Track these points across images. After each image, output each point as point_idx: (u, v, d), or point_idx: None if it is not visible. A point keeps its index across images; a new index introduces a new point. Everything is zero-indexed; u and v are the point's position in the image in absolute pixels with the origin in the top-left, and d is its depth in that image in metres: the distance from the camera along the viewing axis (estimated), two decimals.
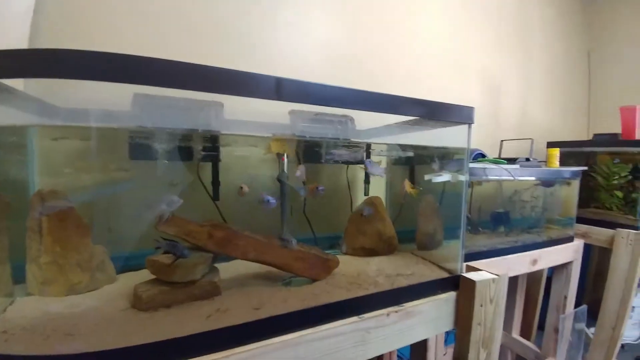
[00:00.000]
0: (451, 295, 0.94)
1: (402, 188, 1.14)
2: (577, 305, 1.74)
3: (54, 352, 0.57)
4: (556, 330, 1.70)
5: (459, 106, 0.89)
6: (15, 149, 0.86)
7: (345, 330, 0.77)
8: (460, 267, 0.97)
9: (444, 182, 1.11)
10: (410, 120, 1.02)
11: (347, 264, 1.06)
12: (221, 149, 1.14)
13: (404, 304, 0.86)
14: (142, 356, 0.61)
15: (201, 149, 1.09)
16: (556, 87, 2.54)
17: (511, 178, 1.43)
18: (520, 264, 1.44)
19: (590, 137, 2.03)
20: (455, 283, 0.96)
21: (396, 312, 0.84)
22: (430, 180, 1.04)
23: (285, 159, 1.09)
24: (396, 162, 1.33)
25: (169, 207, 0.77)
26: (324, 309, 0.76)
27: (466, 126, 0.95)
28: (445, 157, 1.07)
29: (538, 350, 1.82)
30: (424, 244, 1.19)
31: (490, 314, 0.96)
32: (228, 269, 0.96)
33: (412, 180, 1.29)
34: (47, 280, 0.77)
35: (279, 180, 1.09)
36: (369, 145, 1.17)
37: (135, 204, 0.89)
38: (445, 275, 0.98)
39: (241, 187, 0.91)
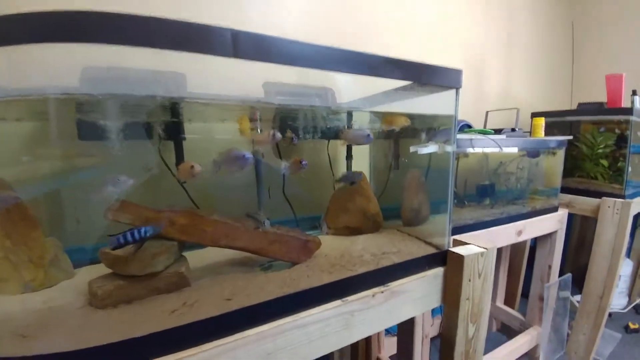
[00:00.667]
0: (439, 271, 0.90)
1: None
2: (559, 274, 1.76)
3: (5, 354, 0.48)
4: (541, 299, 1.71)
5: (445, 68, 0.81)
6: None
7: (327, 315, 0.71)
8: (448, 242, 0.93)
9: (430, 155, 1.05)
10: (393, 89, 0.94)
11: (330, 245, 0.99)
12: (186, 125, 1.02)
13: (389, 284, 0.81)
14: (97, 359, 0.53)
15: (163, 127, 0.97)
16: (540, 57, 2.49)
17: (498, 149, 1.38)
18: (505, 235, 1.43)
19: (574, 107, 2.01)
20: (442, 258, 0.91)
21: (382, 292, 0.79)
22: (416, 153, 0.97)
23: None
24: (379, 135, 1.26)
25: (115, 188, 0.67)
26: (304, 295, 0.70)
27: (453, 92, 0.87)
28: (431, 128, 1.00)
29: (523, 318, 1.86)
30: (410, 220, 1.14)
31: (478, 289, 0.92)
32: (202, 256, 0.87)
33: (397, 154, 1.23)
34: (1, 277, 0.67)
35: (254, 158, 1.00)
36: (349, 116, 1.08)
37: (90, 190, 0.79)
38: (432, 251, 0.93)
39: (192, 167, 0.74)
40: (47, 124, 0.91)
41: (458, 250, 0.89)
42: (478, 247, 0.92)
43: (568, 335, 1.83)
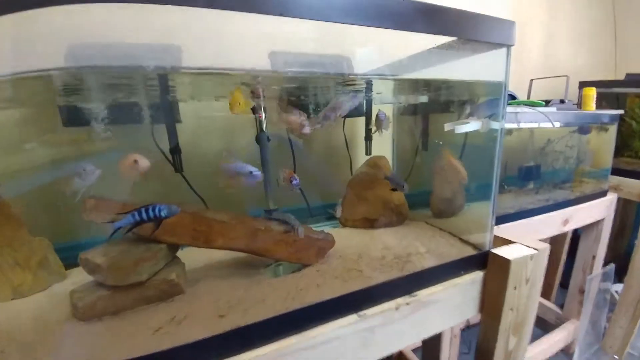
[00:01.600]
0: (477, 275, 0.75)
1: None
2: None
3: None
4: (581, 291, 1.54)
5: (495, 19, 0.62)
6: None
7: (341, 333, 0.59)
8: (490, 241, 0.77)
9: (465, 133, 0.87)
10: (424, 52, 0.75)
11: (347, 241, 0.86)
12: (180, 106, 0.90)
13: (417, 293, 0.67)
14: None
15: (154, 107, 0.85)
16: (583, 22, 2.12)
17: (545, 125, 1.16)
18: (550, 225, 1.23)
19: (621, 77, 1.70)
20: (482, 260, 0.76)
21: (407, 303, 0.65)
22: (452, 132, 0.79)
23: (263, 116, 0.86)
24: (405, 111, 1.08)
25: (83, 181, 0.56)
26: (312, 310, 0.58)
27: (502, 52, 0.68)
28: (468, 100, 0.81)
29: (559, 311, 1.69)
30: (441, 211, 0.98)
31: (524, 297, 0.77)
32: (203, 256, 0.77)
33: (426, 132, 1.04)
34: None
35: (258, 142, 0.87)
36: (369, 87, 0.89)
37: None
38: (469, 251, 0.78)
39: (135, 161, 0.57)
40: (29, 110, 0.81)
41: (503, 252, 0.73)
42: (527, 247, 0.76)
43: (605, 328, 1.66)
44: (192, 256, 0.72)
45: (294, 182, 0.70)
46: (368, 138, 1.01)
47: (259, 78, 0.79)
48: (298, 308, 0.57)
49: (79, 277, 0.68)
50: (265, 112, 0.84)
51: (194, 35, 0.66)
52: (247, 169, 0.67)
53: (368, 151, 1.02)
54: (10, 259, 0.66)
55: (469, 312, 0.76)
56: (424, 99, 1.00)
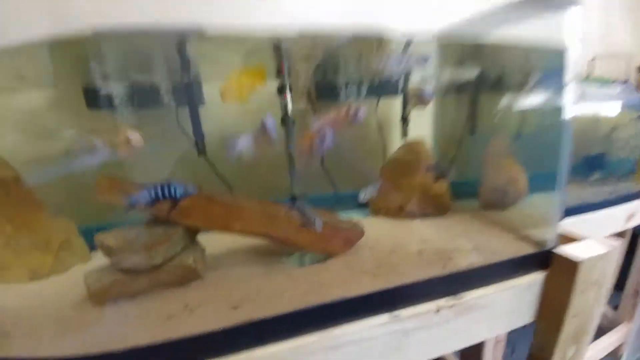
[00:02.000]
0: (536, 277, 0.63)
1: None
2: None
3: None
4: (637, 293, 1.42)
5: None
6: None
7: (371, 334, 0.51)
8: (554, 238, 0.64)
9: (521, 115, 0.74)
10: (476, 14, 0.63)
11: (379, 232, 0.78)
12: (204, 88, 0.86)
13: (462, 295, 0.57)
14: None
15: (176, 89, 0.81)
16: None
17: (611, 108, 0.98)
18: (613, 221, 1.05)
19: None
20: (543, 260, 0.64)
21: (450, 306, 0.56)
22: (495, 113, 0.67)
23: (289, 96, 0.79)
24: (448, 89, 0.95)
25: (93, 159, 0.53)
26: (336, 307, 0.51)
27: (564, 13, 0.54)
28: (533, 70, 0.68)
29: (612, 313, 1.51)
30: (492, 202, 0.85)
31: (590, 302, 0.64)
32: (227, 241, 0.73)
33: (474, 112, 0.91)
34: (2, 266, 0.62)
35: (284, 124, 0.80)
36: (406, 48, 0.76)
37: None
38: (528, 249, 0.66)
39: (129, 139, 0.51)
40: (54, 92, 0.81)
41: (570, 251, 0.60)
42: (599, 245, 0.63)
43: None
44: (216, 241, 0.68)
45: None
46: (404, 119, 0.91)
47: (281, 51, 0.71)
48: (320, 304, 0.50)
49: (103, 259, 0.67)
50: (291, 91, 0.78)
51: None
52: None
53: (404, 134, 0.92)
54: (28, 241, 0.66)
55: (523, 319, 0.65)
56: (473, 73, 0.86)
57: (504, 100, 0.69)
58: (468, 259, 0.63)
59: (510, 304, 0.61)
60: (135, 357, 0.44)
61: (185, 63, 0.74)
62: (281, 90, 0.76)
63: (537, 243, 0.67)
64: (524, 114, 0.73)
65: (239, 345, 0.46)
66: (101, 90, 0.75)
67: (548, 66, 0.68)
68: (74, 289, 0.59)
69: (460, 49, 0.80)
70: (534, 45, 0.63)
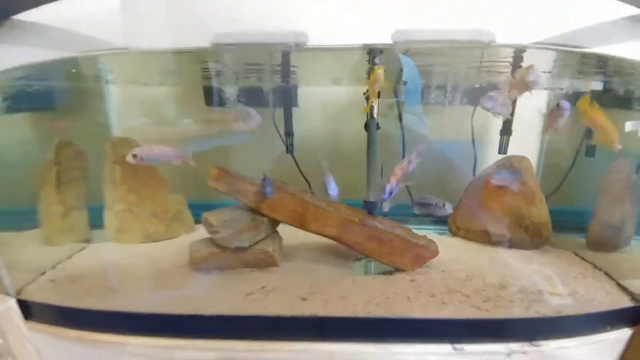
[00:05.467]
0: (622, 335, 0.52)
1: None
2: None
3: (81, 306, 0.56)
4: None
5: None
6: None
7: None
8: None
9: None
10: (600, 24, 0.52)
11: (455, 254, 0.73)
12: (299, 90, 0.92)
13: (540, 342, 0.51)
14: (155, 324, 0.55)
15: (275, 92, 0.90)
16: None
17: None
18: None
19: None
20: (633, 315, 0.52)
21: (524, 352, 0.50)
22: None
23: (375, 104, 0.79)
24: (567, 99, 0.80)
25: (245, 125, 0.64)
26: (397, 324, 0.51)
27: None
28: None
29: None
30: (601, 241, 0.71)
31: None
32: (302, 235, 0.79)
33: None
34: (122, 228, 0.81)
35: (367, 129, 0.81)
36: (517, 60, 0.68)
37: None
38: (623, 302, 0.54)
39: (133, 156, 0.60)
40: (178, 90, 0.99)
41: None
42: None
43: None
44: (293, 234, 0.74)
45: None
46: (505, 132, 0.81)
47: (376, 59, 0.72)
48: (381, 317, 0.51)
49: (204, 233, 0.81)
50: (379, 97, 0.78)
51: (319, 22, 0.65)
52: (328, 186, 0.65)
53: (502, 149, 0.82)
54: (149, 210, 0.83)
55: None
56: (597, 86, 0.71)
57: (630, 123, 0.56)
58: (555, 305, 0.54)
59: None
60: (217, 323, 0.53)
61: (286, 70, 0.82)
62: (369, 98, 0.77)
63: (634, 295, 0.54)
64: None
65: (302, 334, 0.51)
66: (218, 91, 0.90)
67: None
68: (178, 254, 0.74)
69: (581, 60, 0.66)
70: None
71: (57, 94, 0.82)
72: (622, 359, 0.54)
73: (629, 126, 0.58)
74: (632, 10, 0.51)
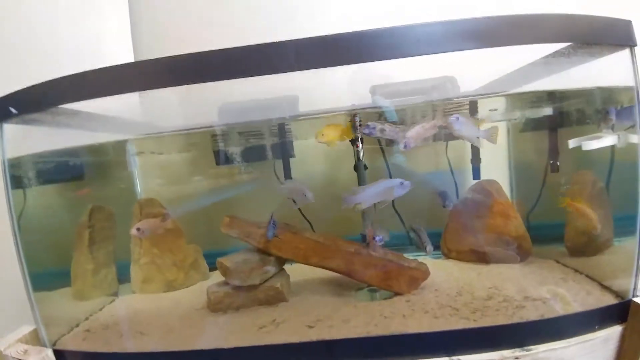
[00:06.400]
0: (612, 332, 0.56)
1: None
2: None
3: (113, 349, 0.63)
4: None
5: (608, 19, 0.50)
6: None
7: None
8: (634, 287, 0.56)
9: (612, 151, 0.68)
10: (536, 61, 0.65)
11: (446, 274, 0.79)
12: (294, 143, 1.07)
13: (531, 347, 0.55)
14: None
15: (273, 146, 1.05)
16: None
17: None
18: None
19: None
20: (621, 311, 0.56)
21: (516, 357, 0.55)
22: (580, 148, 0.64)
23: (361, 145, 0.92)
24: (525, 127, 0.93)
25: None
26: (395, 340, 0.57)
27: (624, 53, 0.53)
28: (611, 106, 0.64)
29: None
30: (579, 247, 0.77)
31: None
32: (308, 272, 0.87)
33: (555, 149, 0.86)
34: (147, 278, 0.90)
35: (356, 170, 0.93)
36: (474, 106, 0.83)
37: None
38: (608, 300, 0.59)
39: (138, 229, 0.76)
40: (192, 154, 1.15)
41: None
42: None
43: None
44: (299, 272, 0.83)
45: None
46: (475, 159, 0.92)
47: (356, 112, 0.86)
48: (380, 335, 0.57)
49: (218, 278, 0.89)
50: (362, 142, 0.90)
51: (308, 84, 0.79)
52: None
53: (475, 175, 0.92)
54: (169, 260, 0.92)
55: None
56: (547, 111, 0.84)
57: (572, 141, 0.66)
58: (541, 309, 0.60)
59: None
60: (234, 356, 0.59)
61: (282, 131, 0.97)
62: (354, 142, 0.90)
63: (618, 293, 0.59)
64: (612, 151, 0.67)
65: (311, 358, 0.57)
66: (225, 152, 1.04)
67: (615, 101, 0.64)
68: (197, 299, 0.81)
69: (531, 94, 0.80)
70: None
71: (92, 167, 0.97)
72: (617, 355, 0.58)
73: (571, 143, 0.67)
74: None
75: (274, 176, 1.07)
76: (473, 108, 0.84)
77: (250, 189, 1.08)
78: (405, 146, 0.64)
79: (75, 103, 0.60)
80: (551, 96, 0.83)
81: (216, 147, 1.02)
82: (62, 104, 0.60)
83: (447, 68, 0.85)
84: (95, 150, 0.95)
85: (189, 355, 0.60)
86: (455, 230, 0.89)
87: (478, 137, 0.65)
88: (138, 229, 0.75)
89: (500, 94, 0.84)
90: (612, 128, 0.64)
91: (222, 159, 1.04)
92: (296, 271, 0.83)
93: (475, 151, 0.91)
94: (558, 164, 0.85)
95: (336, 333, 0.59)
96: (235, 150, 1.02)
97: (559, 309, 0.62)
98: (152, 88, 0.55)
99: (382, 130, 0.68)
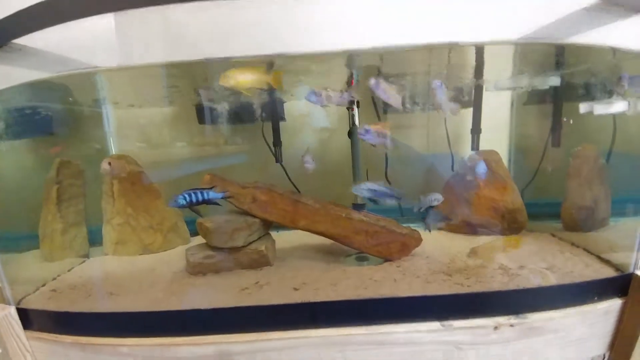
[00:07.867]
0: (613, 304, 0.54)
1: None
2: None
3: (79, 309, 0.58)
4: None
5: None
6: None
7: (420, 338, 0.52)
8: (636, 261, 0.54)
9: (614, 123, 0.65)
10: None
11: (439, 243, 0.77)
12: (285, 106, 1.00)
13: (526, 315, 0.53)
14: (152, 323, 0.56)
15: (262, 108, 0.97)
16: None
17: None
18: None
19: None
20: (622, 285, 0.55)
21: (511, 325, 0.52)
22: (591, 114, 0.61)
23: (356, 110, 0.86)
24: (530, 99, 0.89)
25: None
26: (385, 304, 0.54)
27: None
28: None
29: None
30: (576, 223, 0.75)
31: None
32: (294, 238, 0.83)
33: (558, 123, 0.82)
34: (120, 240, 0.84)
35: (350, 136, 0.88)
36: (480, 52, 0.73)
37: None
38: (608, 272, 0.57)
39: (109, 163, 0.73)
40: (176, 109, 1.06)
41: None
42: None
43: None
44: (285, 238, 0.79)
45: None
46: (475, 130, 0.88)
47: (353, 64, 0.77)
48: (369, 298, 0.54)
49: (200, 242, 0.84)
50: (358, 105, 0.85)
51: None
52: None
53: (474, 146, 0.89)
54: (145, 222, 0.86)
55: (594, 349, 0.56)
56: (555, 80, 0.79)
57: (583, 105, 0.62)
58: (537, 278, 0.57)
59: (581, 330, 0.54)
60: (213, 317, 0.54)
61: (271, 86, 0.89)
62: (349, 104, 0.84)
63: (618, 267, 0.57)
64: (614, 123, 0.64)
65: (295, 321, 0.53)
66: (209, 109, 0.96)
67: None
68: (176, 262, 0.76)
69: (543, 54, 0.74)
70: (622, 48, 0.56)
71: (57, 119, 0.88)
72: (617, 328, 0.56)
73: (582, 108, 0.64)
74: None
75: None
76: (479, 54, 0.75)
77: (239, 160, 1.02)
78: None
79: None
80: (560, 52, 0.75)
81: (198, 103, 0.95)
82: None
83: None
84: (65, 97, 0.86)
85: (160, 317, 0.55)
86: (449, 201, 0.86)
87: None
88: (110, 164, 0.71)
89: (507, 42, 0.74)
90: (624, 95, 0.61)
91: (205, 117, 0.96)
92: (282, 238, 0.79)
93: (476, 120, 0.87)
94: (559, 137, 0.82)
95: (324, 295, 0.55)
96: (220, 108, 0.94)
97: (553, 279, 0.60)
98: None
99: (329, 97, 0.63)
